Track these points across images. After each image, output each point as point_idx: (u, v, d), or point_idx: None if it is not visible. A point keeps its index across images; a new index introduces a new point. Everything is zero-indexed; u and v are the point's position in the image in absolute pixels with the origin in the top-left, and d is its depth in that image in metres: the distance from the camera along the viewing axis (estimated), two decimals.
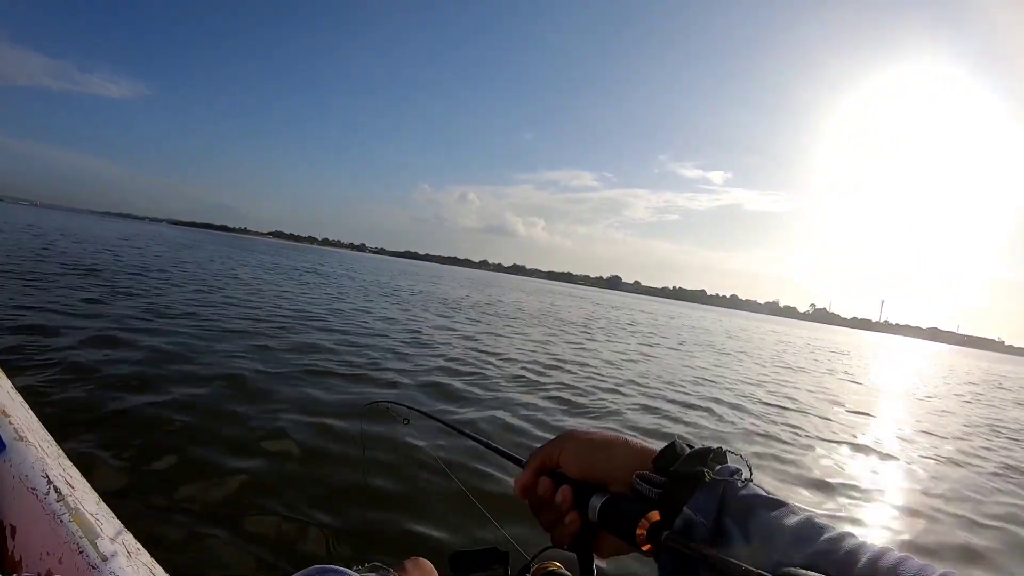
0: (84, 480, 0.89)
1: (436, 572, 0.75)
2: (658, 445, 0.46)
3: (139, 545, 0.86)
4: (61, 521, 0.85)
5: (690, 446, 0.44)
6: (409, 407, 1.03)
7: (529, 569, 0.54)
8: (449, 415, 4.11)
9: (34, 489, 0.88)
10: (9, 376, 1.02)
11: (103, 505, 0.87)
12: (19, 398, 0.95)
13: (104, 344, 4.65)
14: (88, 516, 0.86)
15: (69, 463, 0.91)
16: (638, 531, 0.40)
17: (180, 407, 3.34)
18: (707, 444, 0.44)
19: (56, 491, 0.87)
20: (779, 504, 0.38)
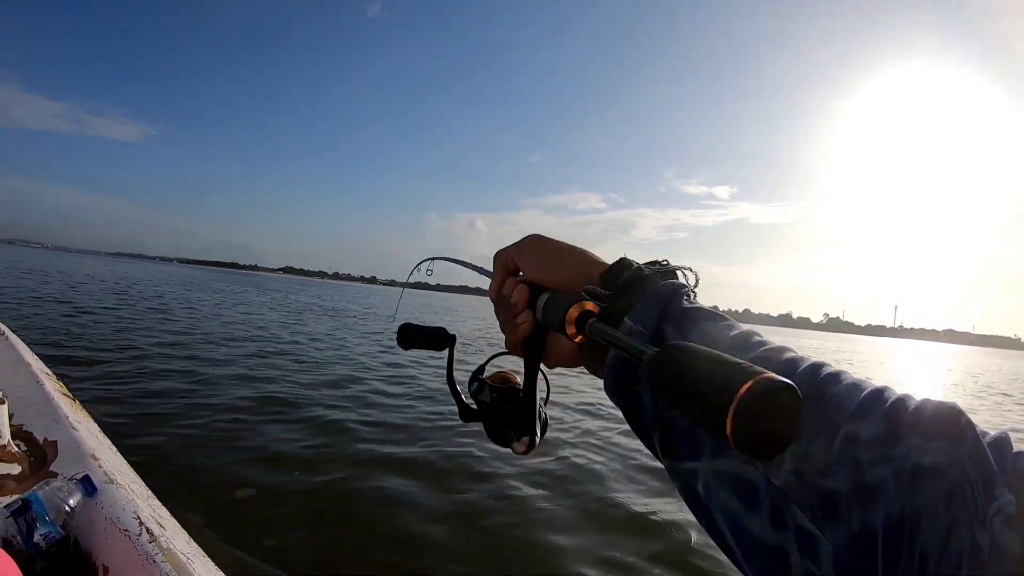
0: (174, 520, 0.92)
1: None
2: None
3: None
4: (154, 561, 0.87)
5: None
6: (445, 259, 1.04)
7: (483, 371, 0.54)
8: None
9: (126, 530, 0.91)
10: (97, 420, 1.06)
11: (193, 544, 0.90)
12: (107, 441, 0.98)
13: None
14: (180, 556, 0.88)
15: (159, 503, 0.94)
16: (568, 322, 0.38)
17: None
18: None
19: (148, 532, 0.90)
20: (723, 319, 0.38)
